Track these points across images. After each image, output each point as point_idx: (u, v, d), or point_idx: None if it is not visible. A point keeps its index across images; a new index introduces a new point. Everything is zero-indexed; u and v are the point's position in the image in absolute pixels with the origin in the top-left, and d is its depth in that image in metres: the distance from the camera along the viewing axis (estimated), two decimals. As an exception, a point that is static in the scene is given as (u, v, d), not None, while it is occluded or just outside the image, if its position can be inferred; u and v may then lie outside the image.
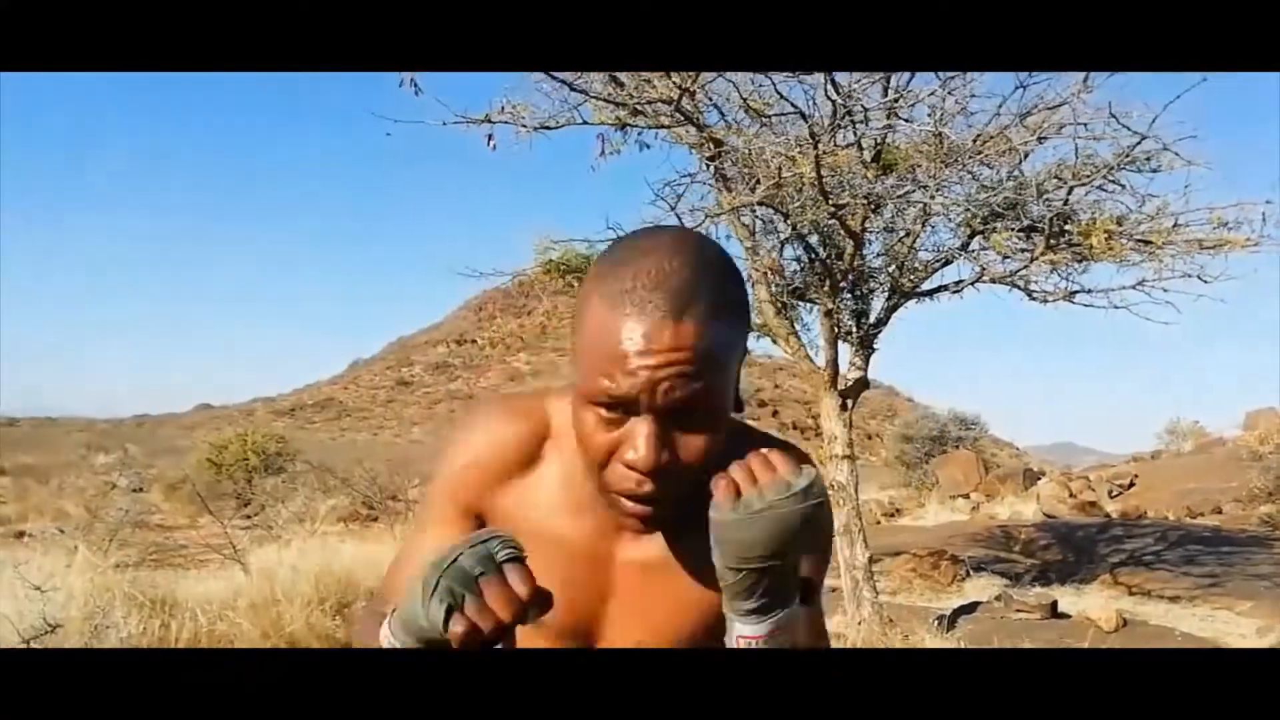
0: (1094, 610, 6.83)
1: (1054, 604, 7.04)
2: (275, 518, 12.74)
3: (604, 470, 0.87)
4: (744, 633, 0.85)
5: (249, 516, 14.09)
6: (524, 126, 5.43)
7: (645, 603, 0.99)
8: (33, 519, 13.34)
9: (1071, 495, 16.34)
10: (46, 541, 8.76)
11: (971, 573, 9.03)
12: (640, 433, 0.83)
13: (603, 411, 0.84)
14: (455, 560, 0.77)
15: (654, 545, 0.98)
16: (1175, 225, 5.54)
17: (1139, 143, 5.15)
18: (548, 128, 5.55)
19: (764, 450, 0.86)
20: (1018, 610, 6.98)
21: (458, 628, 0.75)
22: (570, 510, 0.98)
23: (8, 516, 14.35)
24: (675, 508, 0.89)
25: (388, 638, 0.83)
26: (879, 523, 15.96)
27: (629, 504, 0.87)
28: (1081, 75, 5.37)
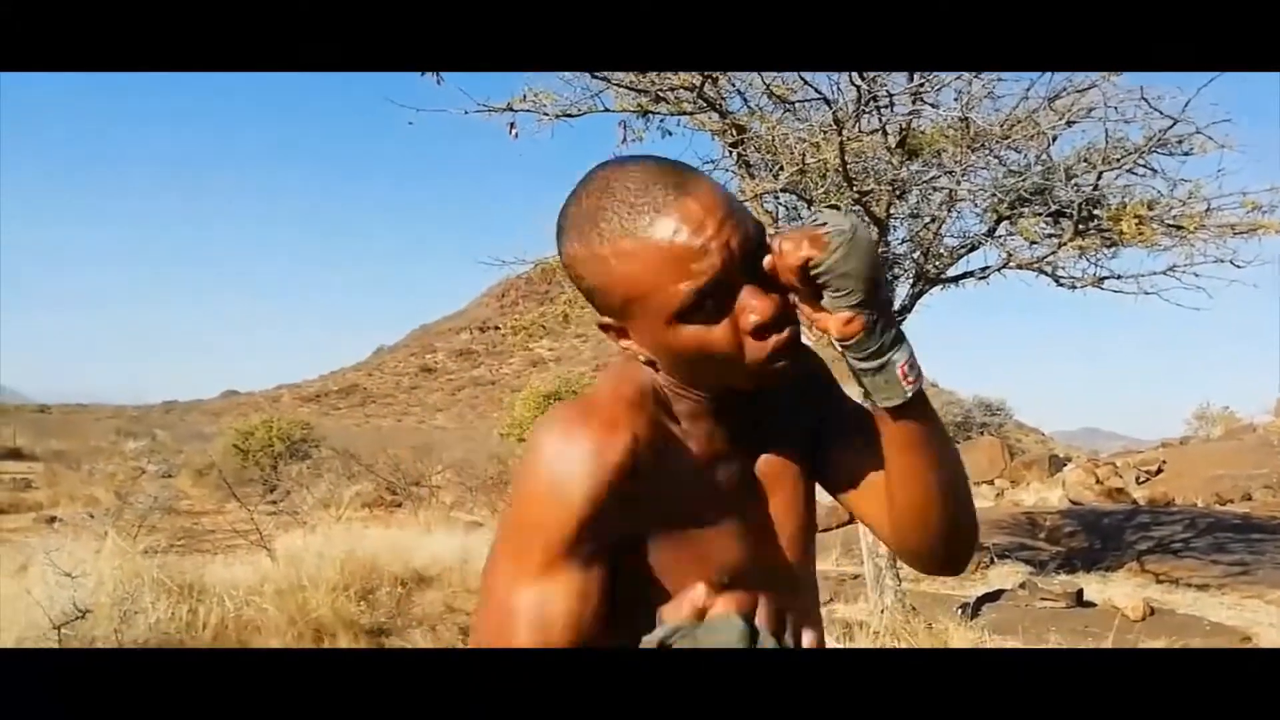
0: (1120, 599, 6.77)
1: (1079, 592, 6.98)
2: (301, 504, 12.89)
3: (743, 358, 0.89)
4: (888, 388, 0.90)
5: (275, 503, 14.24)
6: (545, 114, 5.42)
7: (782, 500, 1.05)
8: (64, 505, 13.55)
9: (1098, 481, 16.17)
10: (77, 527, 8.90)
11: (996, 560, 8.96)
12: (746, 294, 0.87)
13: (690, 316, 0.86)
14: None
15: (768, 450, 1.05)
16: (1208, 210, 5.43)
17: (1171, 126, 5.05)
18: (569, 115, 5.53)
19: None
20: (1042, 599, 6.93)
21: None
22: (696, 473, 0.97)
23: (39, 502, 14.59)
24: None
25: None
26: (902, 509, 15.88)
27: (780, 364, 0.89)
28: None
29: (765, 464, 1.04)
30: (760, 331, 0.87)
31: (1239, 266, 5.52)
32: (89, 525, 8.94)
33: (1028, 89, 5.59)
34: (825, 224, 0.84)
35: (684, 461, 0.96)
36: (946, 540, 1.00)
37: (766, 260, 0.86)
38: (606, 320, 0.94)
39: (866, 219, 5.94)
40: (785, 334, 0.88)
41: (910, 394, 0.89)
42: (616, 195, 0.86)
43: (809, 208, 5.68)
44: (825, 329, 0.87)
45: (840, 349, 0.88)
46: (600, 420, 0.89)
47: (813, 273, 0.84)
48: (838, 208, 0.89)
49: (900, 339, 0.89)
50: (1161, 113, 4.95)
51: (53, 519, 11.26)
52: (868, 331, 0.86)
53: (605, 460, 0.86)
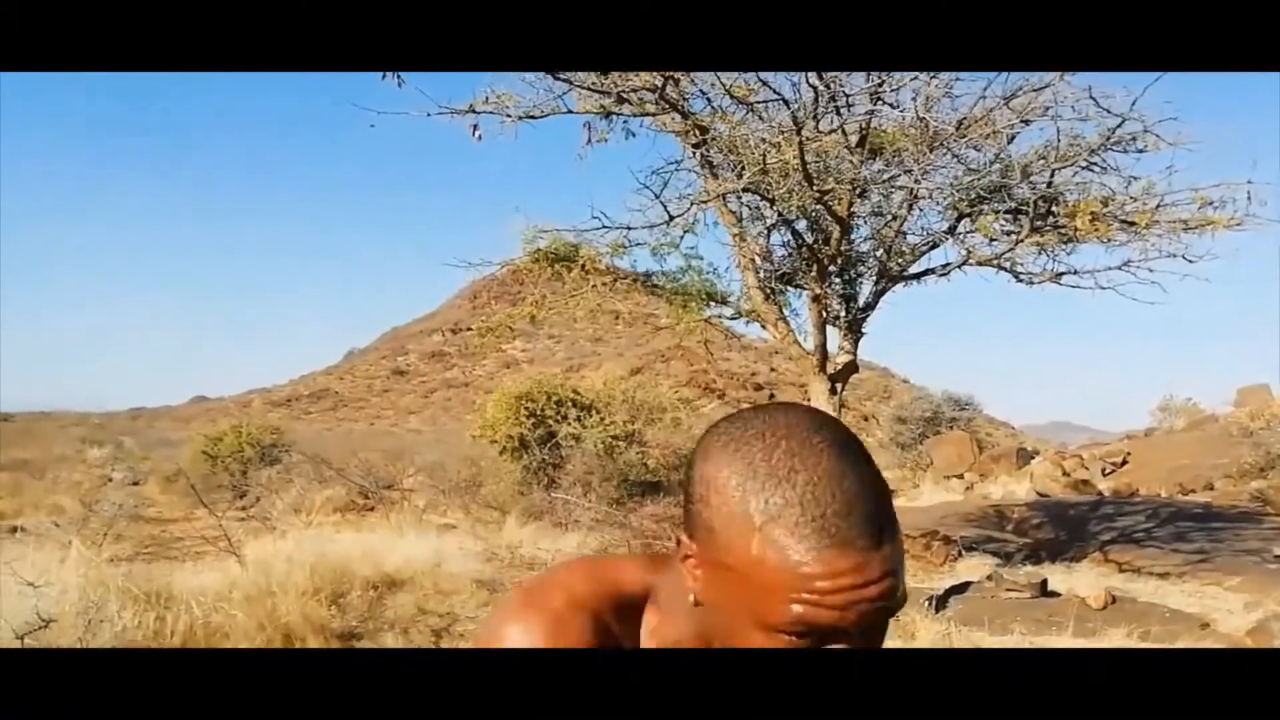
0: (1083, 588, 6.89)
1: (1044, 583, 7.09)
2: (271, 509, 12.78)
3: None
4: None
5: (245, 509, 14.10)
6: (508, 116, 5.43)
7: None
8: (27, 514, 13.34)
9: (1065, 474, 16.42)
10: (41, 536, 8.77)
11: (964, 553, 9.09)
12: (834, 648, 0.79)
13: (788, 638, 0.79)
14: None
15: None
16: (1159, 206, 5.55)
17: (1120, 124, 5.16)
18: (533, 117, 5.55)
19: None
20: (1008, 589, 7.03)
21: None
22: None
23: (3, 512, 14.36)
24: None
25: None
26: (873, 504, 16.04)
27: None
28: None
29: None
30: None
31: (1191, 261, 5.65)
32: (53, 534, 8.82)
33: (985, 89, 5.71)
34: None
35: None
36: None
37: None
38: (690, 545, 0.85)
39: (830, 218, 6.01)
40: None
41: None
42: (797, 493, 0.78)
43: (771, 206, 5.74)
44: None
45: None
46: (549, 613, 0.88)
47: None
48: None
49: None
50: (1110, 111, 5.06)
51: (15, 529, 11.08)
52: None
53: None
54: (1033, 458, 19.70)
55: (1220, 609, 6.65)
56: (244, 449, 18.26)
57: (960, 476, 18.40)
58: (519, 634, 0.86)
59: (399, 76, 4.92)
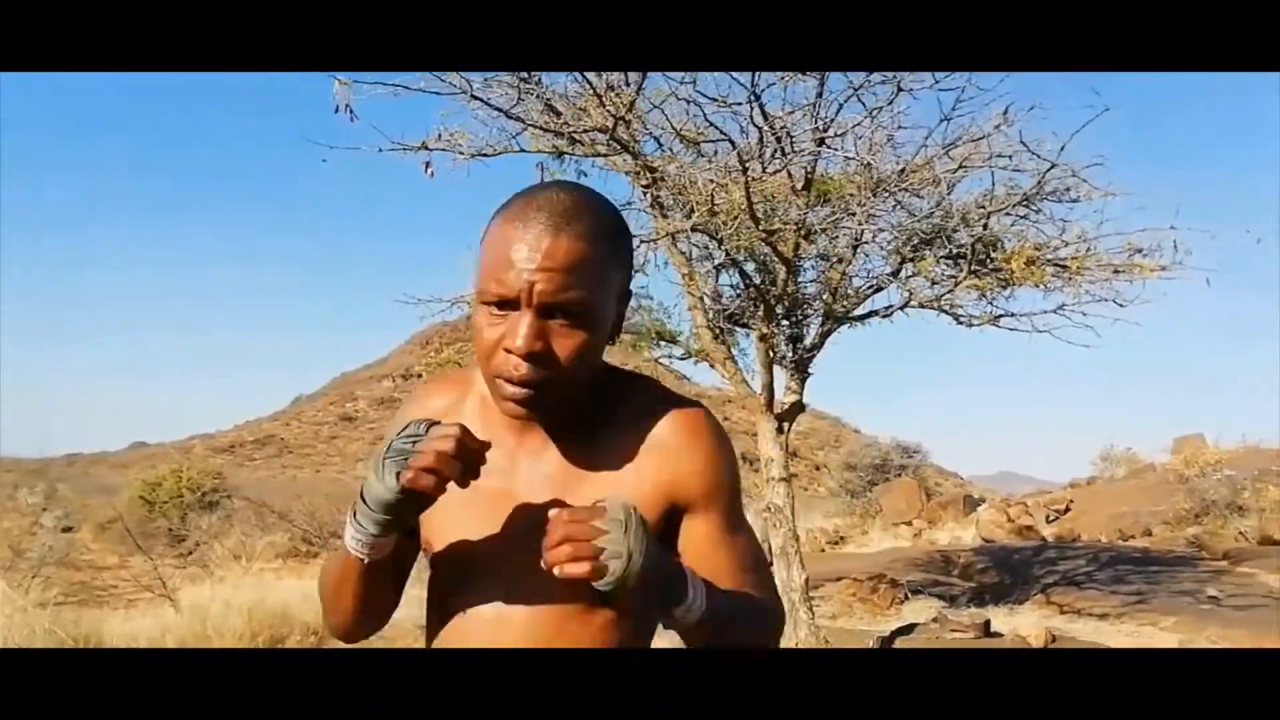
0: (1025, 628, 6.98)
1: (987, 623, 7.16)
2: (210, 555, 12.42)
3: (490, 360, 1.01)
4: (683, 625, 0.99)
5: (183, 555, 13.70)
6: (460, 154, 5.48)
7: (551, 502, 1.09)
8: (-48, 559, 12.78)
9: (1010, 520, 16.66)
10: (-35, 580, 8.42)
11: (910, 596, 9.15)
12: (520, 322, 0.98)
13: (492, 309, 1.00)
14: (390, 444, 0.96)
15: (569, 486, 1.08)
16: (1088, 251, 5.77)
17: (1050, 168, 5.38)
18: (485, 155, 5.60)
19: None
20: (953, 630, 7.09)
21: (408, 473, 0.92)
22: (495, 466, 1.03)
23: (-74, 558, 13.73)
24: (553, 404, 1.03)
25: (350, 531, 1.01)
26: (823, 550, 16.09)
27: (508, 387, 1.01)
28: (1001, 109, 5.61)
29: (556, 492, 1.08)
30: (509, 354, 0.99)
31: (1121, 305, 5.86)
32: (-23, 578, 8.47)
33: (926, 137, 5.90)
34: (611, 545, 0.88)
35: (494, 446, 1.02)
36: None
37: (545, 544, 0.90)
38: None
39: (777, 259, 6.14)
40: (524, 372, 0.99)
41: (685, 618, 0.96)
42: (523, 200, 1.02)
43: (719, 246, 5.83)
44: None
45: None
46: (442, 378, 1.22)
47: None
48: (628, 516, 0.91)
49: (662, 587, 0.95)
50: (1040, 157, 5.27)
51: (-62, 574, 10.61)
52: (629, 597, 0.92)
53: (424, 404, 1.18)
54: (979, 505, 19.95)
55: (1157, 647, 6.77)
56: (183, 494, 17.81)
57: (909, 523, 18.55)
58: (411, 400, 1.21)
59: (351, 111, 4.95)
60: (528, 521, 1.04)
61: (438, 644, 1.12)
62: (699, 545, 1.07)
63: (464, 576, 1.10)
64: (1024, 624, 7.34)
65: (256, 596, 8.23)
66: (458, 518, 1.09)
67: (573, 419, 1.08)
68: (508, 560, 1.06)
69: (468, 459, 0.94)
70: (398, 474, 0.93)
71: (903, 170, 5.84)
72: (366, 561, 1.03)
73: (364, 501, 0.97)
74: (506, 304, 0.99)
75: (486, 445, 0.96)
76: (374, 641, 1.34)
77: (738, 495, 1.13)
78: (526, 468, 1.10)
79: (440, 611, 1.13)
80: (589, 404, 1.09)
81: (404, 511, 0.97)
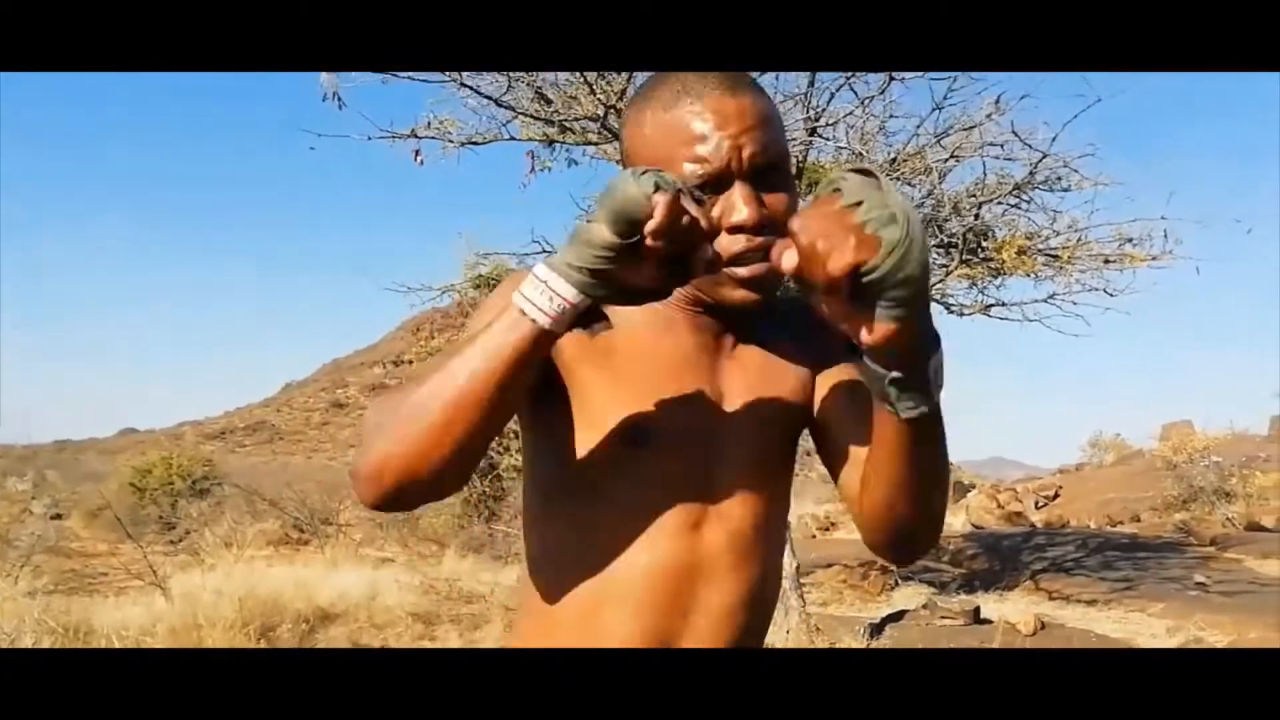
0: (1014, 615, 7.02)
1: (977, 610, 7.21)
2: (200, 543, 12.41)
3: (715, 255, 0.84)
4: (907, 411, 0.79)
5: (173, 542, 13.68)
6: (450, 141, 5.45)
7: (748, 400, 0.99)
8: (-60, 548, 12.74)
9: (999, 506, 16.77)
10: (-47, 569, 8.40)
11: (900, 582, 9.20)
12: (739, 195, 0.88)
13: (688, 180, 0.87)
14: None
15: (742, 352, 1.01)
16: (1080, 241, 5.78)
17: (1041, 159, 5.39)
18: (475, 143, 5.58)
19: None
20: (942, 617, 7.14)
21: (663, 197, 0.73)
22: (657, 328, 0.96)
23: (-86, 546, 13.69)
24: (775, 287, 0.93)
25: (537, 286, 0.78)
26: (814, 536, 16.16)
27: (745, 270, 0.90)
28: (993, 98, 5.61)
29: (748, 390, 0.99)
30: (737, 231, 0.88)
31: (1112, 295, 5.88)
32: (-34, 567, 8.45)
33: (918, 126, 5.89)
34: (859, 203, 0.69)
35: (651, 341, 0.95)
36: (908, 538, 0.94)
37: (788, 259, 0.73)
38: None
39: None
40: (758, 243, 0.88)
41: (935, 402, 0.80)
42: (672, 80, 0.93)
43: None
44: (864, 338, 0.73)
45: (869, 356, 0.76)
46: None
47: (864, 281, 0.69)
48: (869, 173, 0.72)
49: (937, 341, 0.77)
50: (1032, 147, 5.28)
51: (-73, 563, 10.58)
52: (912, 341, 0.74)
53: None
54: (969, 491, 20.06)
55: (1144, 633, 6.83)
56: (174, 481, 17.76)
57: (899, 509, 18.65)
58: None
59: (339, 99, 4.91)
60: (727, 385, 0.98)
61: (585, 580, 0.93)
62: (858, 397, 0.94)
63: (637, 481, 0.93)
64: (1013, 610, 7.39)
65: (247, 584, 8.23)
66: (622, 396, 0.93)
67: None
68: (708, 425, 0.95)
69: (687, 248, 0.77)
70: (656, 185, 0.74)
71: (894, 159, 5.83)
72: (545, 333, 0.79)
73: (578, 241, 0.77)
74: (705, 183, 0.88)
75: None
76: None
77: None
78: (692, 376, 0.96)
79: (585, 532, 0.94)
80: None
81: (625, 263, 0.76)
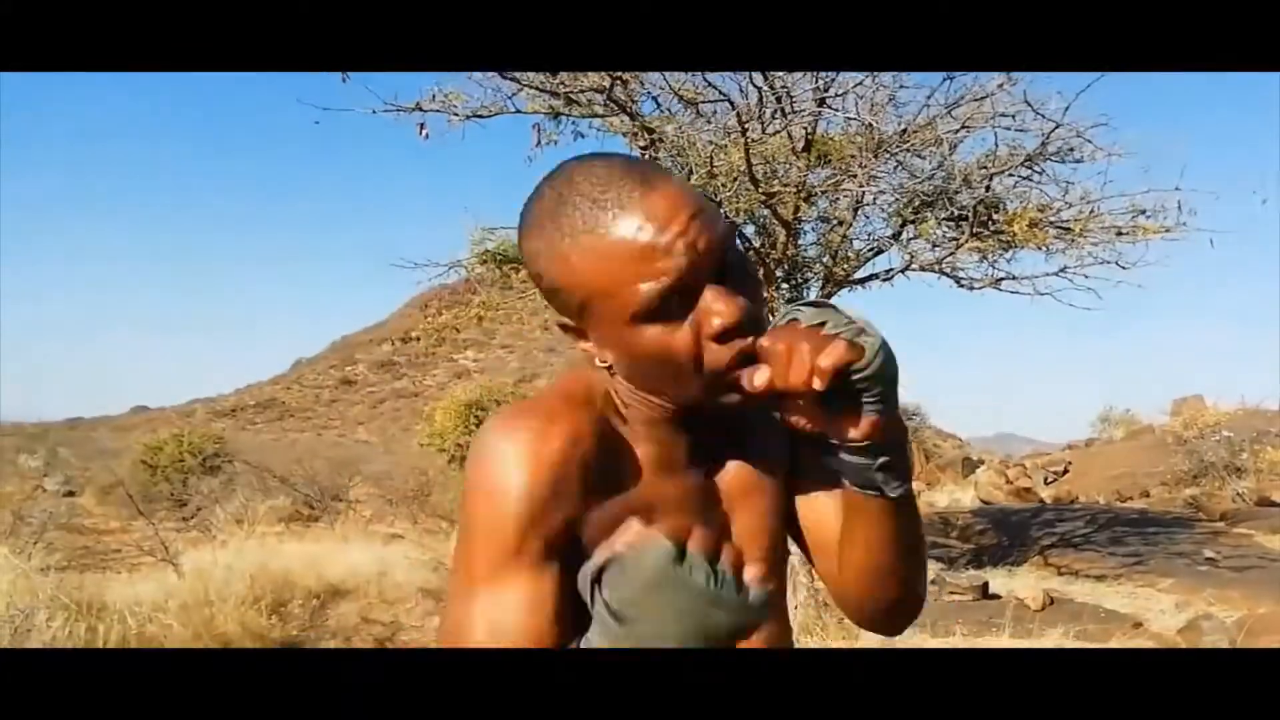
0: (1023, 590, 7.02)
1: (985, 585, 7.21)
2: (212, 519, 12.49)
3: (701, 367, 0.82)
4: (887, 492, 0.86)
5: (185, 519, 13.77)
6: (455, 115, 5.40)
7: (748, 518, 0.97)
8: (-45, 524, 12.86)
9: (1008, 482, 16.75)
10: (-33, 546, 8.47)
11: (909, 558, 9.21)
12: (710, 296, 0.80)
13: (661, 316, 0.80)
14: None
15: (735, 466, 0.98)
16: (1092, 213, 5.71)
17: (1054, 129, 5.31)
18: (480, 116, 5.53)
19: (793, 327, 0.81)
20: (951, 592, 7.14)
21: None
22: (659, 469, 0.92)
23: (-71, 523, 13.82)
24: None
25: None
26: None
27: (745, 377, 0.81)
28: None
29: (733, 482, 0.97)
30: (724, 337, 0.80)
31: (1124, 268, 5.81)
32: (-21, 544, 8.52)
33: (928, 97, 5.81)
34: (823, 322, 0.77)
35: (634, 465, 0.91)
36: (888, 611, 1.00)
37: (760, 377, 0.79)
38: (565, 321, 0.88)
39: (777, 222, 6.07)
40: (749, 344, 0.81)
41: (908, 485, 0.87)
42: (580, 189, 0.81)
43: (719, 209, 5.77)
44: (850, 435, 0.80)
45: (846, 451, 0.83)
46: (538, 415, 0.86)
47: (854, 379, 0.76)
48: (822, 304, 0.80)
49: (904, 430, 0.85)
50: (1045, 117, 5.19)
51: (-59, 539, 10.67)
52: (895, 430, 0.82)
53: (540, 453, 0.82)
54: (978, 467, 20.03)
55: (1153, 609, 6.82)
56: (185, 458, 17.84)
57: (907, 485, 18.65)
58: (505, 445, 0.84)
59: (344, 72, 4.86)
60: (728, 504, 0.97)
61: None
62: (828, 487, 0.99)
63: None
64: (1021, 586, 7.38)
65: (259, 561, 8.29)
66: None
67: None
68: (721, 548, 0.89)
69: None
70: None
71: (904, 131, 5.76)
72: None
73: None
74: (670, 295, 0.79)
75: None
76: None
77: None
78: (680, 481, 0.93)
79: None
80: None
81: None
